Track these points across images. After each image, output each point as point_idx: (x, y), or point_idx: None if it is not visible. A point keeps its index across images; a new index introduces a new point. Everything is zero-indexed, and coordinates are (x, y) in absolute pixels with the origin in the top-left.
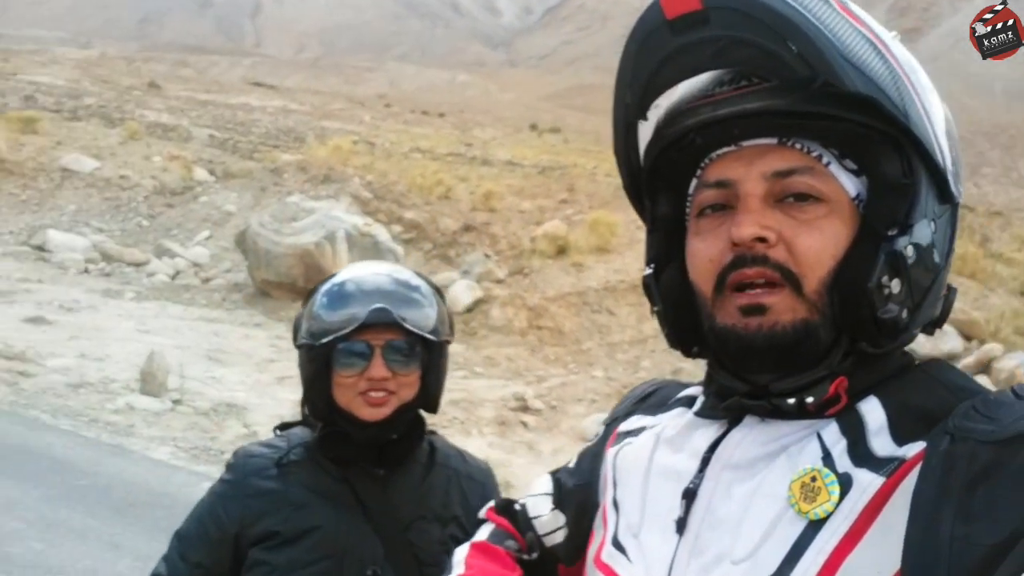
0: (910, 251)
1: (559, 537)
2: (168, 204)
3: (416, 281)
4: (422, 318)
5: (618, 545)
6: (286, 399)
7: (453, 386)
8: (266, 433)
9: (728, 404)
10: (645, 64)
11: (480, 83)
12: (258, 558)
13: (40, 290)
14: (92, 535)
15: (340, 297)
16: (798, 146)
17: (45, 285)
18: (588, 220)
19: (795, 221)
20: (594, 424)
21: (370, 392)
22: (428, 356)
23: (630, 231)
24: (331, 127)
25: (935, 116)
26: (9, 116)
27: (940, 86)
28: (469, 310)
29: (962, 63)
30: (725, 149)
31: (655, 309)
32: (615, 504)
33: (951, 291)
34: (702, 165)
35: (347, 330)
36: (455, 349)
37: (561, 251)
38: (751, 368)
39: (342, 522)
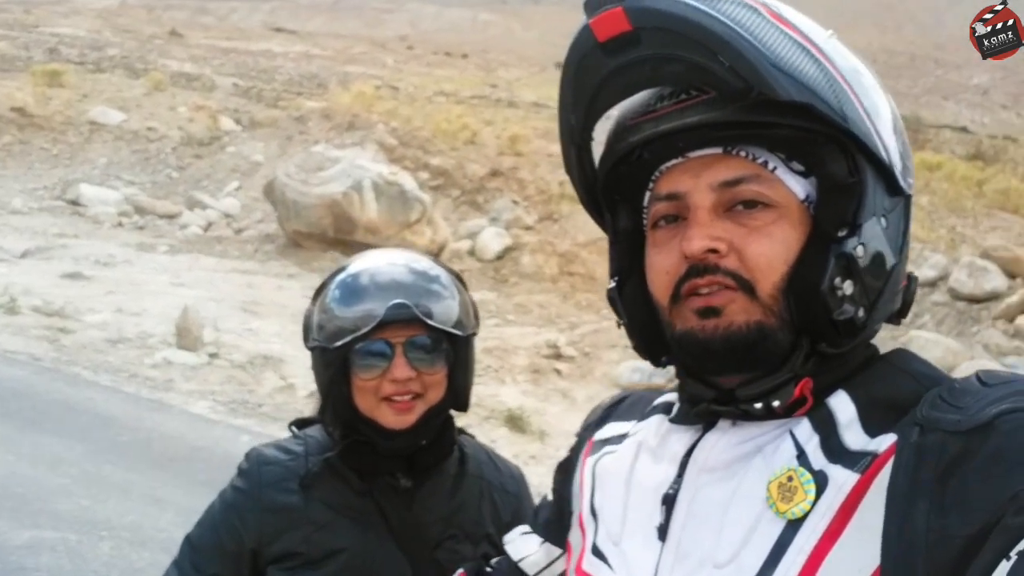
0: (860, 251)
1: (559, 567)
2: (196, 155)
3: (435, 270)
4: (445, 311)
5: (598, 553)
6: None
7: (486, 334)
8: (304, 386)
9: (698, 410)
10: (584, 87)
11: (503, 21)
12: None
13: (76, 245)
14: (135, 490)
15: (354, 291)
16: (743, 154)
17: (81, 240)
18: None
19: (745, 229)
20: (627, 371)
21: (394, 396)
22: (454, 351)
23: None
24: (354, 72)
25: (877, 113)
26: (35, 70)
27: (960, 12)
28: (499, 257)
29: None
30: (673, 161)
31: (620, 322)
32: (593, 511)
33: (912, 281)
34: (653, 178)
35: (364, 329)
36: (487, 297)
37: None
38: (713, 370)
39: (368, 543)
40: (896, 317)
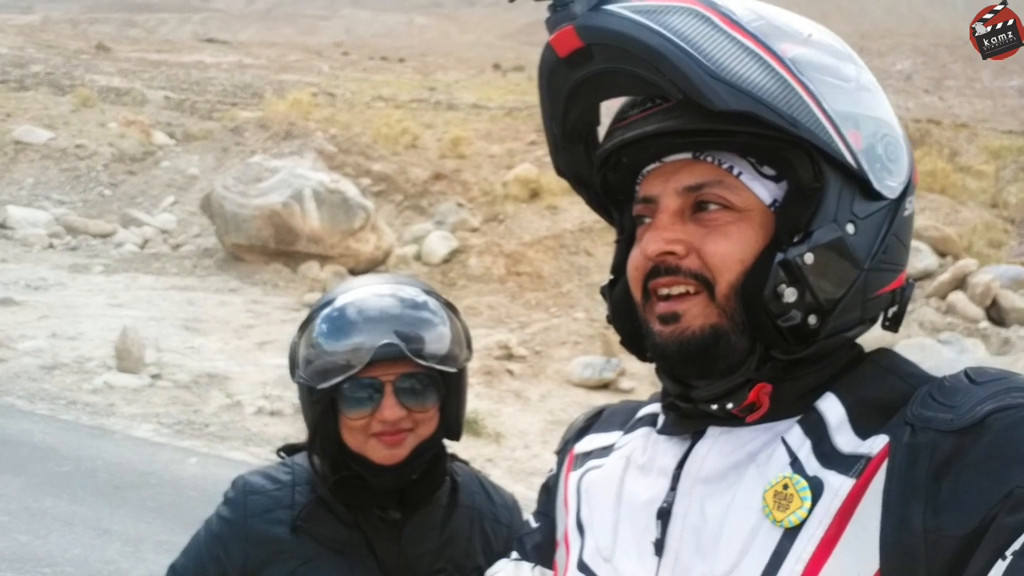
0: (808, 258)
1: None
2: (129, 171)
3: (422, 297)
4: (435, 340)
5: (585, 569)
6: (268, 364)
7: None
8: (251, 402)
9: (665, 404)
10: (556, 99)
11: (438, 25)
12: None
13: (5, 270)
14: (79, 522)
15: (342, 326)
16: (710, 159)
17: (10, 264)
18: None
19: (705, 229)
20: (579, 367)
21: (384, 434)
22: (446, 384)
23: None
24: (289, 80)
25: (847, 117)
26: None
27: (902, 2)
28: (446, 261)
29: None
30: (652, 166)
31: (608, 317)
32: (579, 526)
33: (908, 286)
34: (638, 181)
35: (352, 372)
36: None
37: (534, 194)
38: (675, 372)
39: None
40: (894, 324)
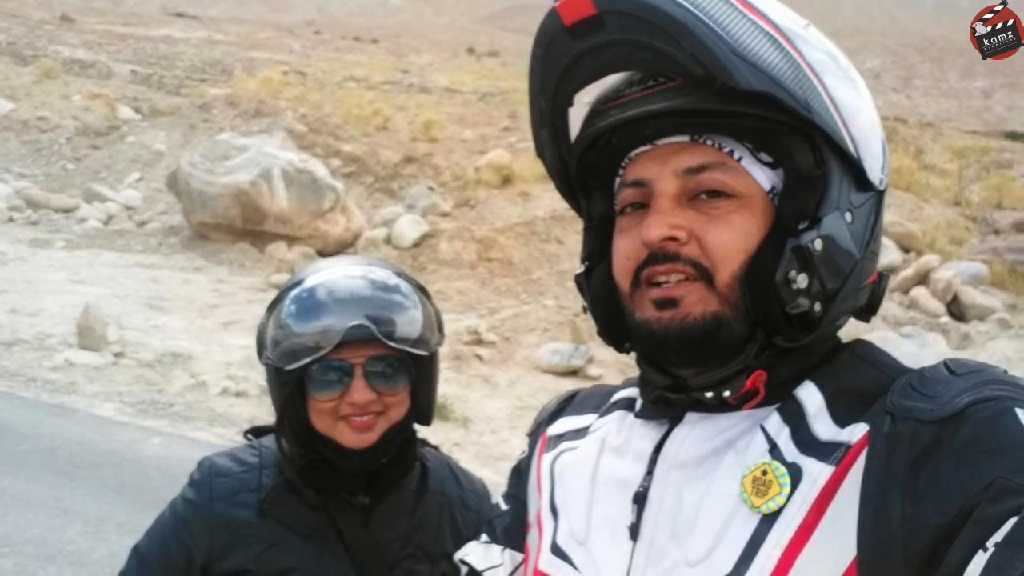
0: (818, 245)
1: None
2: (93, 145)
3: (394, 280)
4: (407, 323)
5: (559, 552)
6: (233, 345)
7: None
8: (216, 383)
9: (652, 398)
10: (552, 70)
11: (413, 6)
12: None
13: None
14: (38, 501)
15: (311, 307)
16: (709, 142)
17: None
18: (532, 148)
19: (706, 217)
20: (547, 353)
21: (353, 416)
22: (416, 368)
23: None
24: (259, 57)
25: (848, 106)
26: None
27: (873, 2)
28: (416, 245)
29: None
30: (642, 148)
31: (585, 307)
32: (552, 509)
33: (882, 278)
34: (623, 164)
35: (321, 352)
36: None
37: (506, 180)
38: (669, 361)
39: (322, 563)
40: (865, 314)
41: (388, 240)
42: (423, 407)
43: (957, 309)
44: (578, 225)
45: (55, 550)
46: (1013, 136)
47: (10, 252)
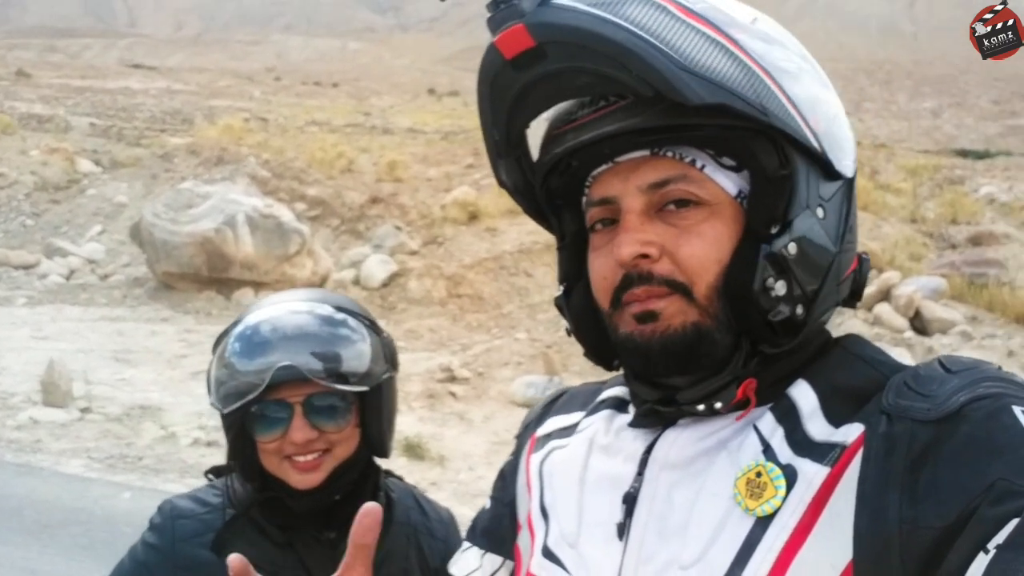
0: (792, 248)
1: (504, 574)
2: (53, 200)
3: (340, 314)
4: (353, 357)
5: (551, 555)
6: (203, 394)
7: None
8: (187, 433)
9: (642, 411)
10: (500, 104)
11: (372, 50)
12: None
13: None
14: (7, 563)
15: (253, 345)
16: (670, 154)
17: None
18: (497, 184)
19: (677, 229)
20: (521, 387)
21: (296, 456)
22: (364, 402)
23: None
24: (220, 106)
25: (805, 98)
26: None
27: (817, 26)
28: (385, 284)
29: (838, 2)
30: (603, 167)
31: (568, 329)
32: (543, 511)
33: (863, 262)
34: (587, 183)
35: (254, 394)
36: None
37: (473, 217)
38: (657, 372)
39: None
40: (850, 301)
41: (357, 281)
42: (376, 440)
43: (920, 323)
44: (547, 258)
45: None
46: (963, 153)
47: None
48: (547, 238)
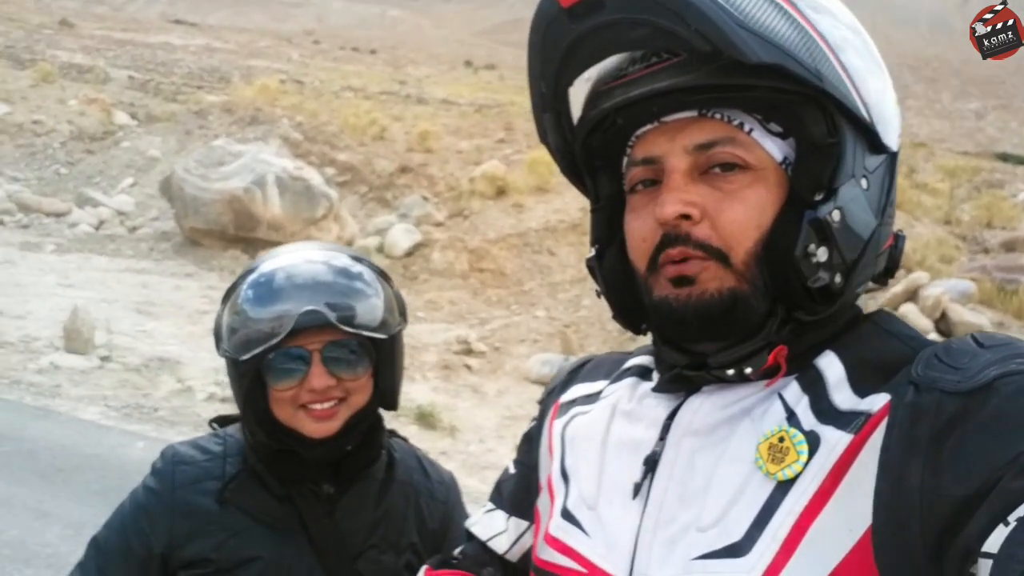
0: (836, 216)
1: (529, 540)
2: (88, 150)
3: (357, 267)
4: (368, 310)
5: (569, 517)
6: None
7: None
8: (203, 388)
9: (670, 376)
10: (551, 55)
11: (412, 18)
12: None
13: None
14: (18, 503)
15: (267, 293)
16: (718, 116)
17: None
18: (527, 160)
19: (720, 193)
20: (537, 364)
21: (313, 404)
22: (378, 352)
23: None
24: (257, 66)
25: (858, 70)
26: None
27: (866, 19)
28: (409, 254)
29: None
30: (649, 126)
31: (598, 291)
32: (563, 474)
33: (899, 239)
34: (630, 143)
35: (275, 340)
36: None
37: (500, 192)
38: (689, 338)
39: (285, 553)
40: (883, 277)
41: (381, 249)
42: (387, 391)
43: (945, 326)
44: (571, 237)
45: (32, 552)
46: (1004, 157)
47: None
48: (572, 217)
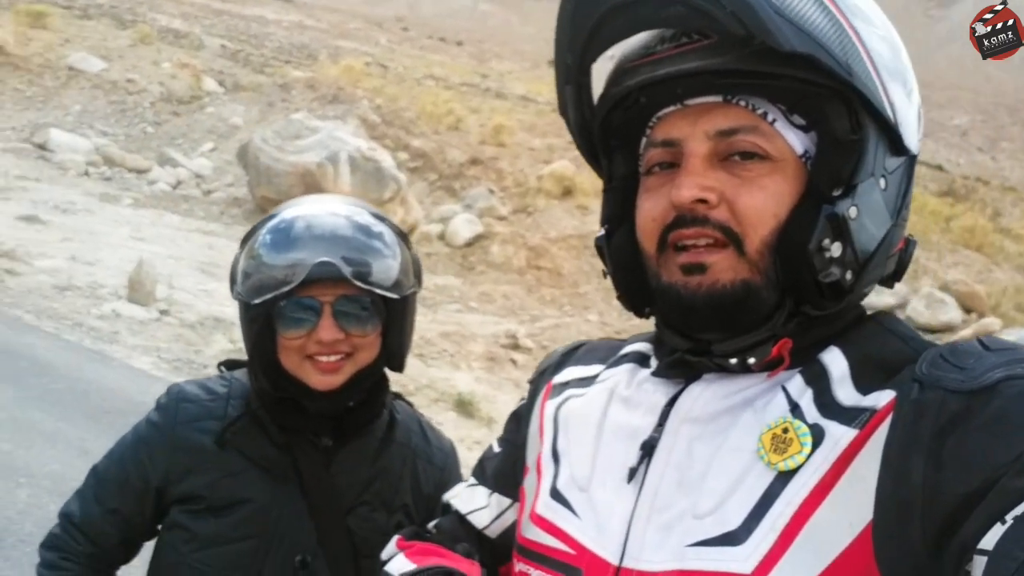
0: (853, 212)
1: (511, 517)
2: (174, 112)
3: (378, 226)
4: (383, 270)
5: (559, 497)
6: None
7: (446, 319)
8: None
9: (671, 361)
10: (582, 25)
11: (502, 13)
12: (179, 520)
13: (37, 189)
14: (62, 439)
15: (286, 239)
16: (743, 103)
17: (43, 184)
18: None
19: (738, 180)
20: None
21: (319, 356)
22: (389, 311)
23: None
24: (345, 47)
25: (886, 68)
26: (18, 8)
27: (967, 54)
28: (469, 244)
29: None
30: (671, 108)
31: (605, 271)
32: (554, 454)
33: (909, 244)
34: (650, 124)
35: (288, 287)
36: (452, 282)
37: (567, 192)
38: (695, 327)
39: (276, 499)
40: (890, 280)
41: (442, 236)
42: (394, 351)
43: None
44: None
45: (70, 487)
46: None
47: (80, 203)
48: None
